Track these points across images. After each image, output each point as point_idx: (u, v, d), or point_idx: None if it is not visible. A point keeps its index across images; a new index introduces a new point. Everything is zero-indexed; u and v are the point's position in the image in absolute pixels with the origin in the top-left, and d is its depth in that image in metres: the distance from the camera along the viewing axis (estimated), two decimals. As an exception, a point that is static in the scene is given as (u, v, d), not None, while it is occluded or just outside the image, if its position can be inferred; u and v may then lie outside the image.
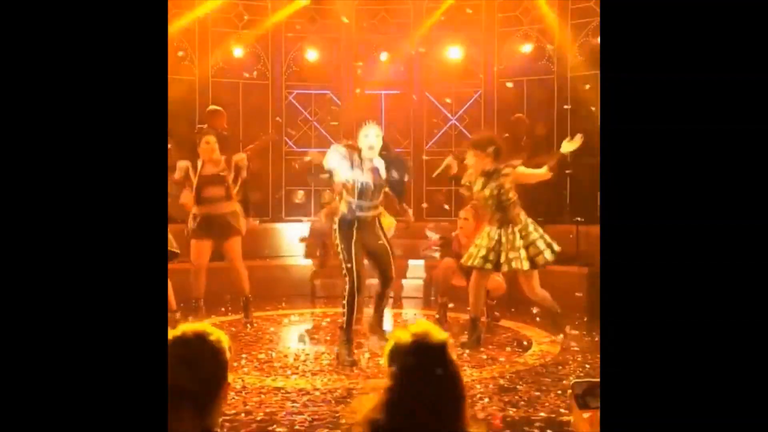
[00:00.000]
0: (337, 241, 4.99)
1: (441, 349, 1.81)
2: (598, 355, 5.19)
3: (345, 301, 4.94)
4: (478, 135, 5.76)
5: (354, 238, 4.94)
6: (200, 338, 1.87)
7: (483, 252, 5.30)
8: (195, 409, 1.81)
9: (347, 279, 4.92)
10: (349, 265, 4.91)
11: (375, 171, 4.95)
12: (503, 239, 5.25)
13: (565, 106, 8.51)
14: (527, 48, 8.92)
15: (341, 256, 4.97)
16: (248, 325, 6.19)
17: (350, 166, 4.89)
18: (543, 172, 5.30)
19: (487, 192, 5.30)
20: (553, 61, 8.87)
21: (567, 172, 7.32)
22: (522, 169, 5.35)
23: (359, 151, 4.92)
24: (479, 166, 5.32)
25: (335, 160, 4.91)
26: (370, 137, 4.89)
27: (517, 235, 5.23)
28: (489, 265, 5.30)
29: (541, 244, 5.26)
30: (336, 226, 5.04)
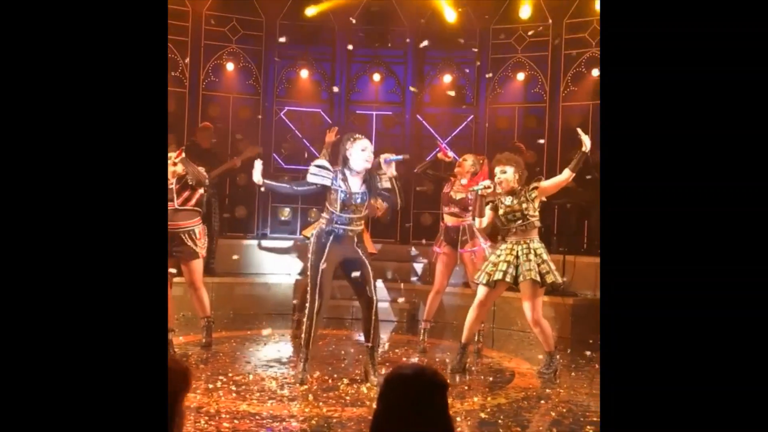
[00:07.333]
0: (309, 254, 4.96)
1: (440, 389, 1.85)
2: (581, 390, 5.12)
3: (305, 318, 4.90)
4: (512, 153, 5.62)
5: (326, 252, 4.89)
6: None
7: (503, 267, 5.24)
8: None
9: (309, 295, 4.88)
10: (314, 281, 4.87)
11: (362, 183, 4.91)
12: (520, 253, 5.23)
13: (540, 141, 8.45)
14: (520, 76, 8.93)
15: (309, 271, 4.92)
16: (207, 347, 6.00)
17: (334, 177, 4.86)
18: (566, 176, 5.30)
19: (516, 208, 5.27)
20: (545, 90, 8.87)
21: (588, 177, 7.10)
22: (545, 182, 5.37)
23: (345, 162, 4.88)
24: (511, 184, 5.29)
25: (319, 176, 4.88)
26: (368, 151, 4.87)
27: (532, 252, 5.23)
28: (509, 278, 5.23)
29: (551, 265, 5.27)
30: (313, 238, 5.01)
